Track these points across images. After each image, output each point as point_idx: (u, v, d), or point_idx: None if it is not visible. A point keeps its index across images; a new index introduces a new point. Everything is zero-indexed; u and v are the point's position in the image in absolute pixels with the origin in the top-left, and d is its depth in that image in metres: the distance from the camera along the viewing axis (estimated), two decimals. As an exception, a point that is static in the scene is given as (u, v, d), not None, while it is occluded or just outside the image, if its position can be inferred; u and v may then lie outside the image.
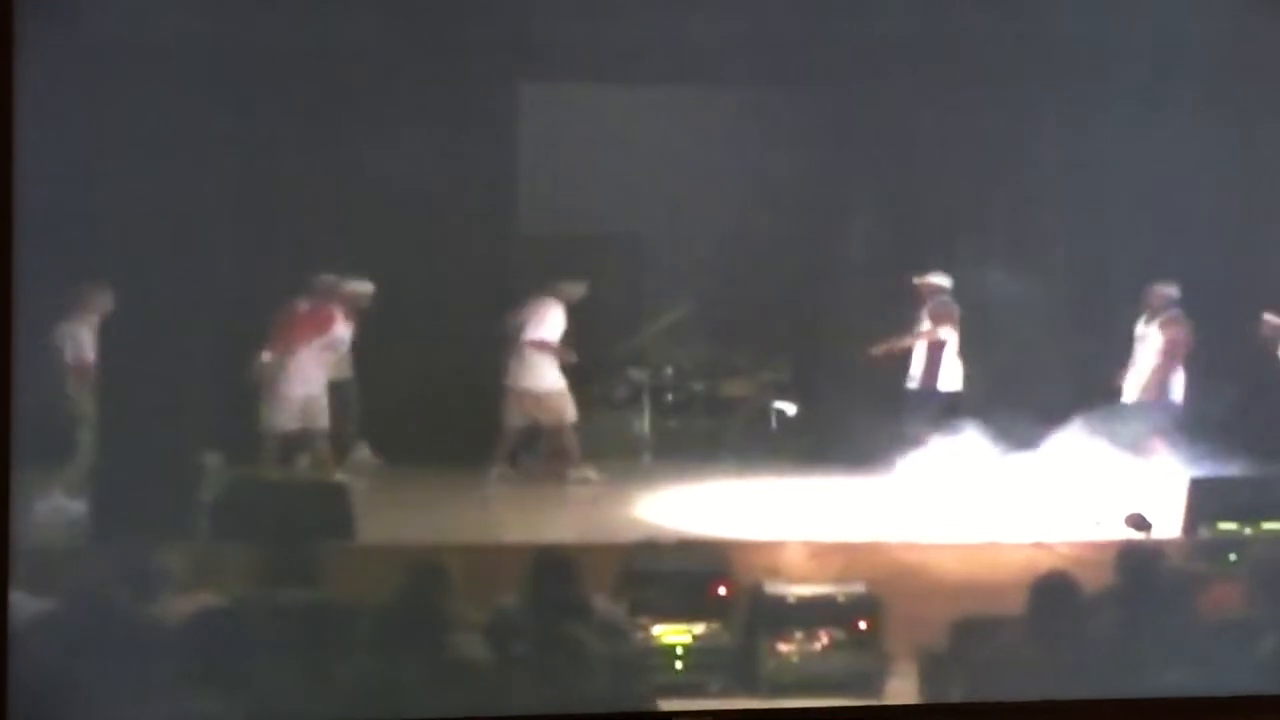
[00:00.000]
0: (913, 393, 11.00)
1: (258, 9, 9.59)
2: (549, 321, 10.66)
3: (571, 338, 10.67)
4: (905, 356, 11.12)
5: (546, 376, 10.62)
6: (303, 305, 10.35)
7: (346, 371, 10.50)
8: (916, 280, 11.09)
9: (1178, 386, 10.81)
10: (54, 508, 8.53)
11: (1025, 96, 10.72)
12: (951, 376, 11.01)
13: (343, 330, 10.44)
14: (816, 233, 11.32)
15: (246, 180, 10.06)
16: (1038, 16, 10.49)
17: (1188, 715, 7.36)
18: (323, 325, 10.34)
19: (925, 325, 11.09)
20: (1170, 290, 10.79)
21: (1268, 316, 10.55)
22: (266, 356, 10.17)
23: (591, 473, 10.55)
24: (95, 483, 8.62)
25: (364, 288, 10.44)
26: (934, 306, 11.07)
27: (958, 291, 11.09)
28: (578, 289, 10.73)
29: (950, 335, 11.03)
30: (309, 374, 10.21)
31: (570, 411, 10.62)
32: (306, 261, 10.31)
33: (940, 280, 11.08)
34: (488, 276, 10.78)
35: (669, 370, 11.34)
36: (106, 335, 9.33)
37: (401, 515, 9.32)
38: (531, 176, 11.36)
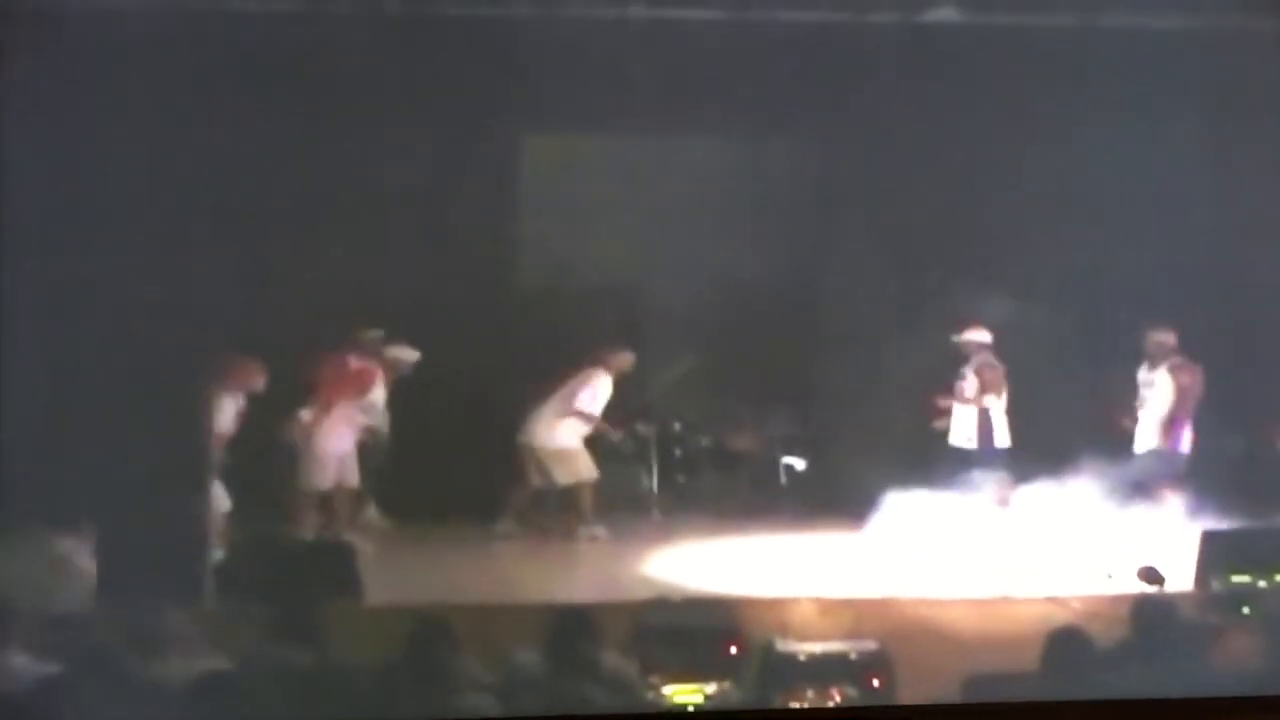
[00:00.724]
0: (969, 453, 10.67)
1: (262, 67, 9.62)
2: (599, 392, 10.63)
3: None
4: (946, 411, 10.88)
5: (565, 436, 10.57)
6: (351, 361, 10.30)
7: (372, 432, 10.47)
8: (955, 338, 10.79)
9: (1188, 436, 10.72)
10: (56, 567, 8.43)
11: (1025, 139, 10.70)
12: (1002, 434, 10.76)
13: (379, 393, 10.41)
14: (821, 283, 11.29)
15: (245, 230, 9.98)
16: (1033, 65, 10.53)
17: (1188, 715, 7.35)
18: (364, 384, 10.30)
19: (971, 387, 10.78)
20: (1167, 337, 10.64)
21: None
22: (306, 414, 10.14)
23: (601, 531, 10.48)
24: (99, 542, 8.51)
25: (409, 354, 10.42)
26: (979, 367, 10.75)
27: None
28: (626, 358, 10.68)
29: (997, 398, 10.76)
30: (342, 432, 10.17)
31: (588, 470, 10.56)
32: (314, 313, 10.24)
33: (980, 336, 10.76)
34: (493, 331, 10.74)
35: (676, 425, 11.28)
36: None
37: (411, 574, 9.26)
38: (536, 230, 11.35)
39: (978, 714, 7.46)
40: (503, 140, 11.14)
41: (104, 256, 8.68)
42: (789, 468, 11.23)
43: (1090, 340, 10.80)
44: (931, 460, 10.52)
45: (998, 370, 10.75)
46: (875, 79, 10.57)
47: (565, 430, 10.56)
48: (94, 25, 8.81)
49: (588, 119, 10.90)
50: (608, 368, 10.63)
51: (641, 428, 11.10)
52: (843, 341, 11.06)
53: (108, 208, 8.75)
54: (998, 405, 10.74)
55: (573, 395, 10.58)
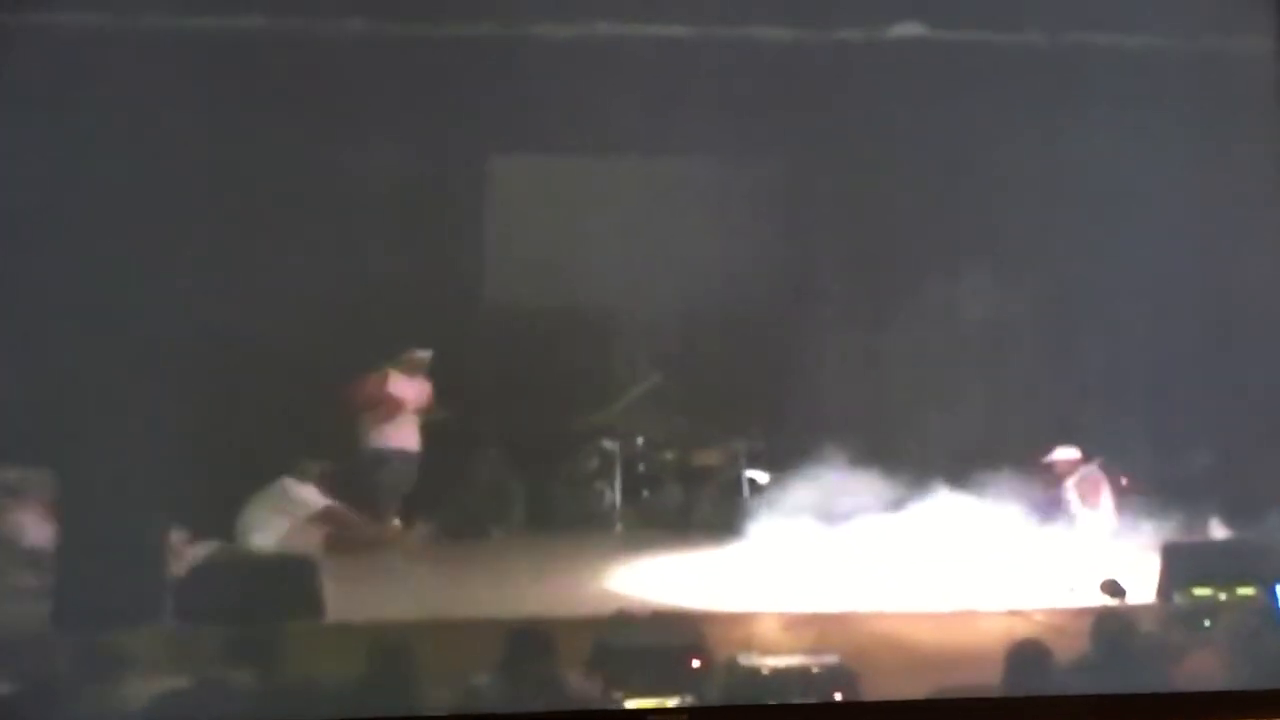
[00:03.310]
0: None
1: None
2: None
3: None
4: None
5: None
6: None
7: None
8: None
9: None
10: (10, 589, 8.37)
11: (1002, 158, 10.71)
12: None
13: None
14: (789, 301, 11.28)
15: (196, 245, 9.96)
16: (1005, 82, 10.57)
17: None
18: None
19: None
20: None
21: None
22: None
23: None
24: (55, 562, 8.45)
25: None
26: None
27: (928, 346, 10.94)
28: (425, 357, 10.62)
29: None
30: None
31: None
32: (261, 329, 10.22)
33: None
34: (457, 350, 10.74)
35: (640, 440, 11.28)
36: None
37: (370, 591, 9.21)
38: (501, 249, 11.33)
39: (957, 710, 7.56)
40: (469, 161, 11.13)
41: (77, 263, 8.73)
42: (752, 482, 11.24)
43: (1060, 353, 10.82)
44: (892, 474, 10.55)
45: None
46: (846, 96, 10.59)
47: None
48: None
49: (553, 138, 10.90)
50: (406, 370, 10.60)
51: (606, 444, 11.11)
52: (809, 357, 11.07)
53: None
54: None
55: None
